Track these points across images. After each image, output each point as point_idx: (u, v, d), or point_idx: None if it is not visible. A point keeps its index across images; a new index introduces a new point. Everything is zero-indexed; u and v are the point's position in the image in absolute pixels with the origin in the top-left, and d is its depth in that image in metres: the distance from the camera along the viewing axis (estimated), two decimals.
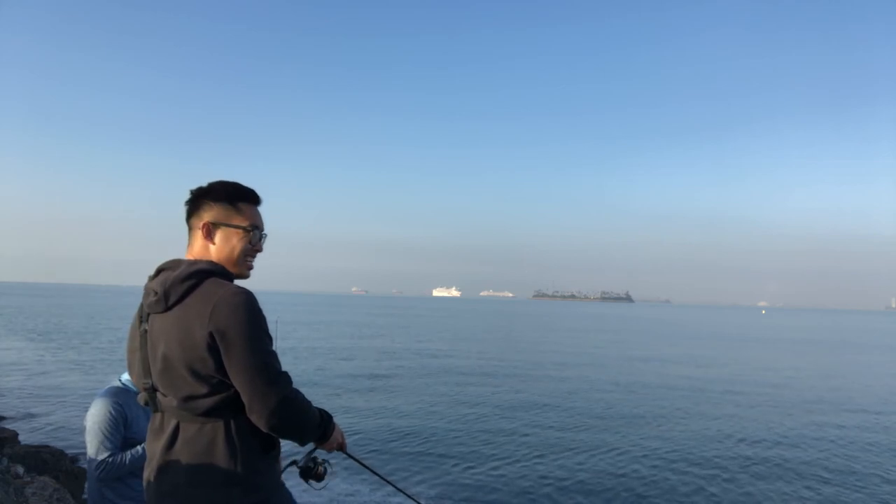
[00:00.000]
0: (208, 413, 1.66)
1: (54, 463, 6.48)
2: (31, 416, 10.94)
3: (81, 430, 2.82)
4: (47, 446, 7.34)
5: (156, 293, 1.70)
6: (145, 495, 1.77)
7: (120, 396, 2.83)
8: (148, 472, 1.75)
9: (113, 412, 2.77)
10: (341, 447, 2.04)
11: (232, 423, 1.68)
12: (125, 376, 2.93)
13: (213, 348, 1.61)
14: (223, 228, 1.82)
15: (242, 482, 1.66)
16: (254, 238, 1.85)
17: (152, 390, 1.73)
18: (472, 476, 8.10)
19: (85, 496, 6.12)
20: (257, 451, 1.72)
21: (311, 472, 2.04)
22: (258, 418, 1.65)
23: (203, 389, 1.64)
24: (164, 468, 1.68)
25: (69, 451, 7.42)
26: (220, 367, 1.63)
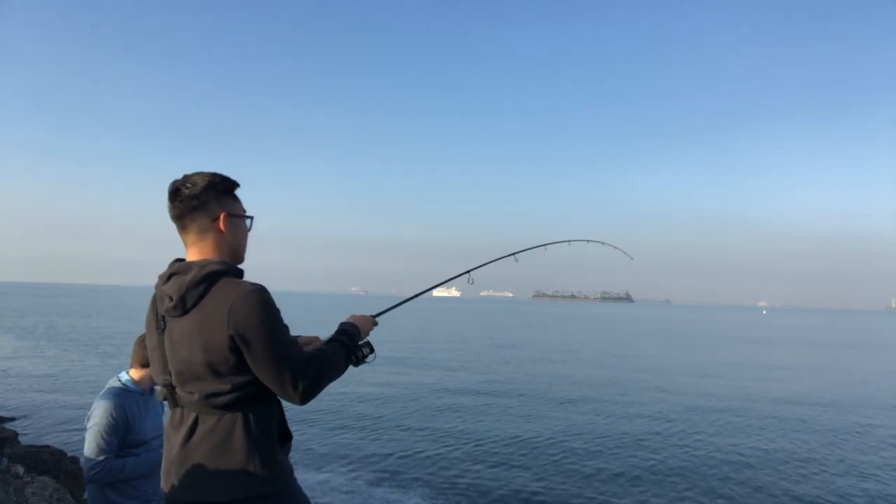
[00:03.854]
0: (228, 406, 1.71)
1: (54, 463, 6.47)
2: (31, 416, 10.94)
3: (82, 430, 2.79)
4: (47, 446, 7.32)
5: (171, 299, 1.72)
6: (164, 486, 1.79)
7: (122, 398, 2.79)
8: (167, 465, 1.78)
9: (115, 415, 2.72)
10: (373, 324, 2.15)
11: (250, 414, 1.72)
12: (124, 376, 2.89)
13: (234, 349, 1.66)
14: (234, 219, 1.85)
15: (260, 472, 1.70)
16: (250, 224, 1.92)
17: (171, 387, 1.77)
18: (471, 479, 8.12)
19: (85, 496, 6.12)
20: (274, 442, 1.77)
21: (358, 361, 2.04)
22: (292, 403, 1.76)
23: (226, 387, 1.69)
24: (184, 460, 1.72)
25: (69, 451, 7.40)
26: (242, 364, 1.68)
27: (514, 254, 3.12)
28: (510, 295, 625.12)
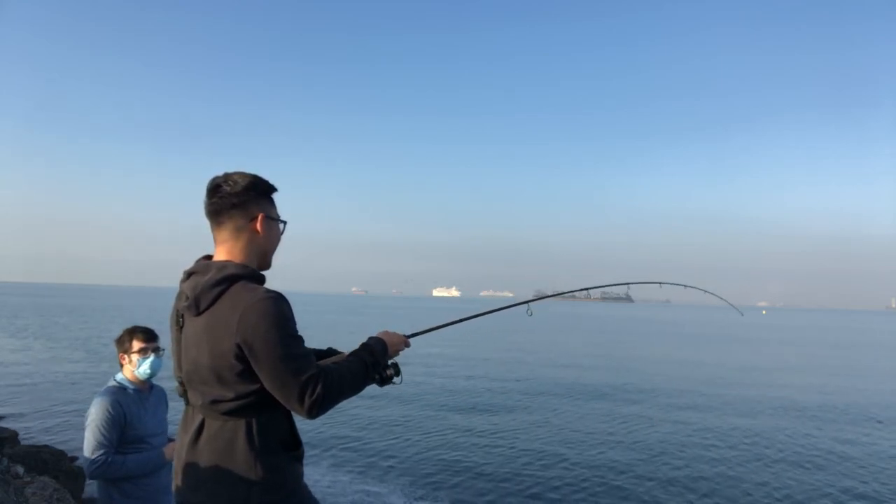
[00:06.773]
0: (232, 412, 1.68)
1: (54, 463, 6.50)
2: (31, 416, 10.96)
3: (82, 430, 2.83)
4: (47, 446, 7.35)
5: (187, 297, 1.72)
6: (174, 487, 1.80)
7: (118, 395, 2.87)
8: (177, 464, 1.79)
9: (111, 411, 2.78)
10: (405, 345, 2.05)
11: (254, 421, 1.69)
12: (119, 375, 2.99)
13: (240, 357, 1.62)
14: (270, 222, 1.83)
15: (262, 480, 1.67)
16: (283, 229, 1.91)
17: (183, 385, 1.78)
18: (462, 476, 8.14)
19: (85, 496, 6.14)
20: (278, 449, 1.73)
21: (385, 380, 1.98)
22: (301, 416, 1.70)
23: (229, 394, 1.66)
24: (190, 463, 1.73)
25: (69, 451, 7.44)
26: (248, 373, 1.64)
27: (627, 283, 3.48)
28: (510, 295, 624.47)
